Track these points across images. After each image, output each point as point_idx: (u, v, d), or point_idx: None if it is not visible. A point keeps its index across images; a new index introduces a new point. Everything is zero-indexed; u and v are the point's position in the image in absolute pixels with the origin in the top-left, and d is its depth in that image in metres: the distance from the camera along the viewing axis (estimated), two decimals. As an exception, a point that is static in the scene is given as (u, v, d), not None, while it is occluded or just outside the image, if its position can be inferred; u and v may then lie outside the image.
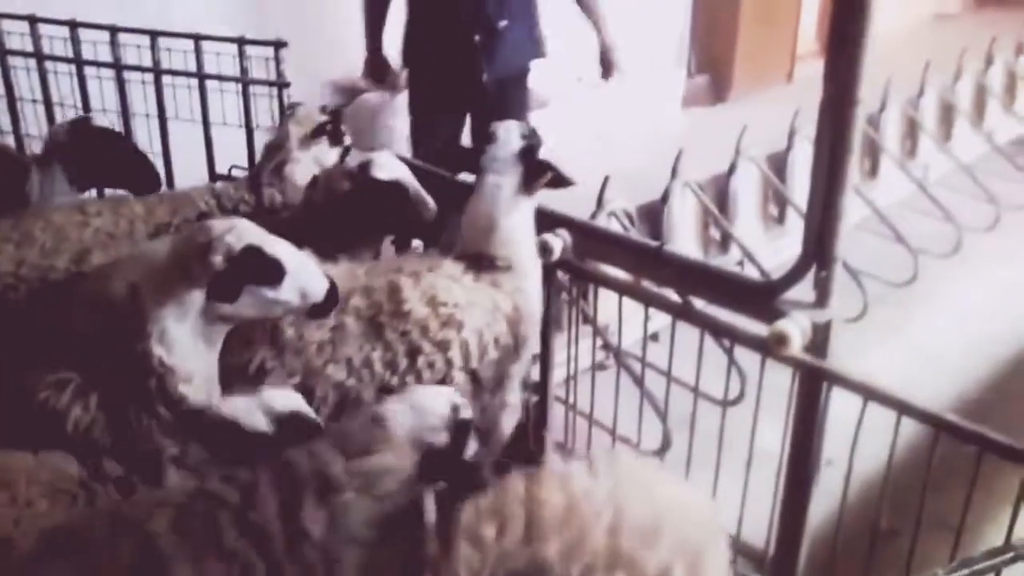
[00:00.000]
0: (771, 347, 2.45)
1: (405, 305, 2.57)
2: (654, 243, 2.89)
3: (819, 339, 2.52)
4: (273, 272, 2.20)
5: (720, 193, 4.30)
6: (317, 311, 2.31)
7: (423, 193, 2.94)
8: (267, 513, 1.78)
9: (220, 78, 3.96)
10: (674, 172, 3.95)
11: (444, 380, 2.63)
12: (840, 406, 2.55)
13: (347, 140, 3.53)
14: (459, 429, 1.97)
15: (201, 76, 3.97)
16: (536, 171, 2.75)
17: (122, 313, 2.23)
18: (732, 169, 4.29)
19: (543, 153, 2.78)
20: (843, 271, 4.11)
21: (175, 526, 1.75)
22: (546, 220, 2.95)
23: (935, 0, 11.12)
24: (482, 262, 2.72)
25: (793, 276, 2.51)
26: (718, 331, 2.73)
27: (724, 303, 2.71)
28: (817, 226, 2.45)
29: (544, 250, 2.85)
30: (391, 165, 2.94)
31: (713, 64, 8.10)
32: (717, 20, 7.99)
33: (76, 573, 1.75)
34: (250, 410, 2.13)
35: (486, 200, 2.75)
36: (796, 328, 2.43)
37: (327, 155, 3.46)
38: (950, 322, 4.64)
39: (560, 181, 2.78)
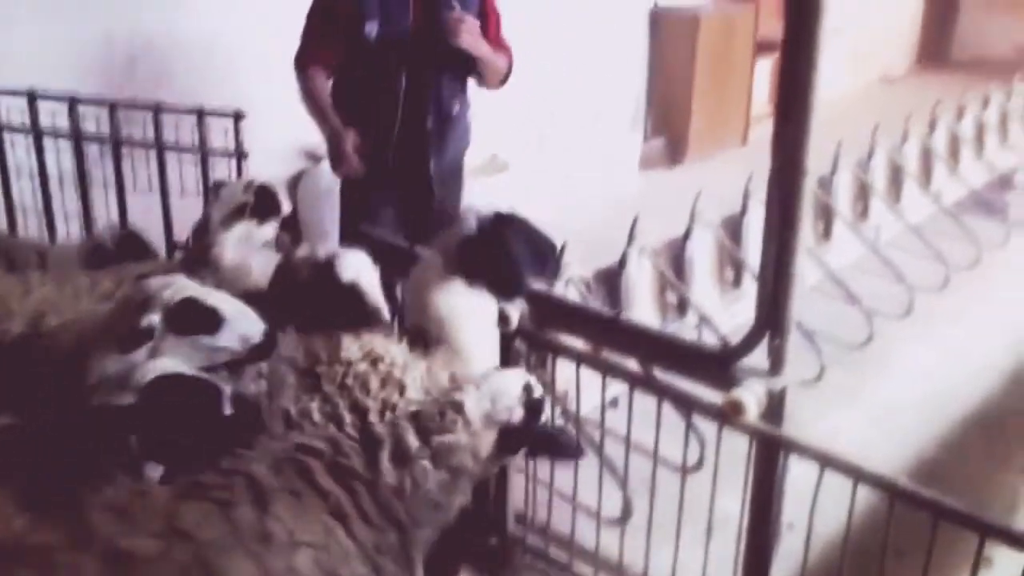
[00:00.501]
0: (727, 415, 2.49)
1: (343, 353, 2.54)
2: (611, 312, 2.93)
3: (775, 405, 2.56)
4: (211, 321, 2.28)
5: (676, 258, 4.36)
6: (256, 354, 2.37)
7: (380, 300, 2.87)
8: (354, 462, 2.11)
9: (179, 149, 3.98)
10: (631, 238, 4.00)
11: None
12: (799, 470, 2.58)
13: (285, 210, 3.30)
14: (533, 407, 2.28)
15: (160, 146, 3.99)
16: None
17: (68, 369, 2.27)
18: (688, 234, 4.35)
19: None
20: (798, 334, 4.22)
21: (275, 469, 2.05)
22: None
23: (881, 63, 11.40)
24: (418, 336, 2.68)
25: (747, 345, 2.54)
26: (676, 399, 2.76)
27: (681, 371, 2.74)
28: (770, 295, 2.49)
29: (501, 320, 2.87)
30: (356, 266, 2.85)
31: (669, 127, 8.24)
32: (672, 84, 8.15)
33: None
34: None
35: (420, 274, 2.76)
36: (751, 396, 2.47)
37: (258, 232, 3.21)
38: (905, 382, 4.70)
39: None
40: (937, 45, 12.27)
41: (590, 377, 3.00)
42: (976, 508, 2.24)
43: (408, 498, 2.14)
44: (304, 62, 3.68)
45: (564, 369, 3.03)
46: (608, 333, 2.84)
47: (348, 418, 2.37)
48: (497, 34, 3.84)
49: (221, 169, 3.95)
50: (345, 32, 3.58)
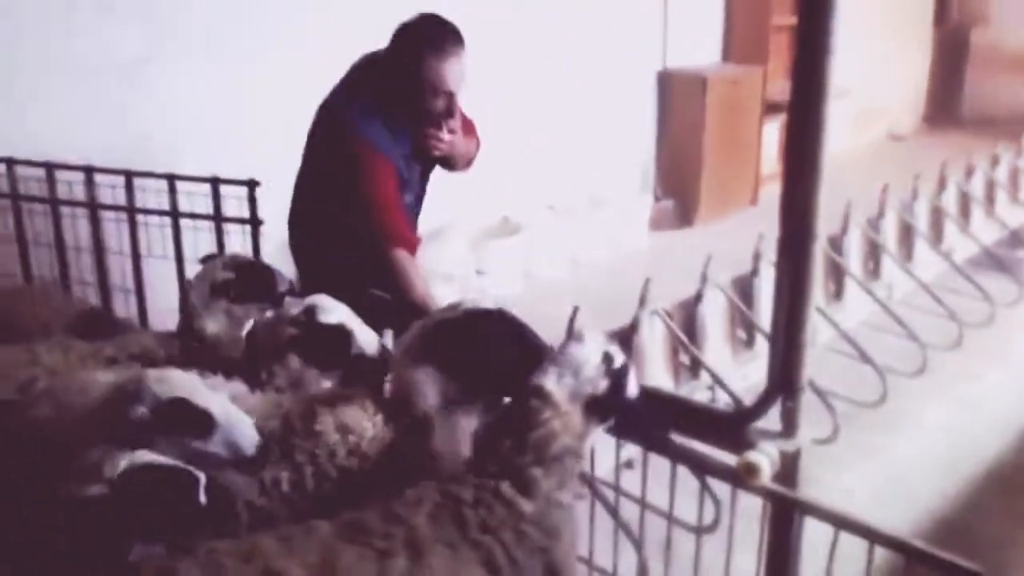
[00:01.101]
0: (741, 478, 2.48)
1: (317, 425, 2.53)
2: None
3: (788, 467, 2.55)
4: (202, 424, 2.20)
5: (688, 319, 4.37)
6: (246, 467, 2.30)
7: (367, 335, 2.88)
8: (496, 512, 2.07)
9: (193, 216, 4.04)
10: (642, 301, 4.02)
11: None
12: (814, 531, 2.56)
13: (280, 287, 3.20)
14: (616, 374, 2.24)
15: (175, 215, 4.05)
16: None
17: (51, 451, 2.23)
18: (699, 296, 4.37)
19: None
20: (812, 394, 4.21)
21: (432, 517, 2.06)
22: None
23: (888, 121, 11.50)
24: (399, 408, 2.56)
25: (760, 408, 2.55)
26: (690, 461, 2.75)
27: (694, 434, 2.74)
28: (782, 358, 2.50)
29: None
30: (334, 308, 2.87)
31: (679, 188, 8.31)
32: (681, 145, 8.24)
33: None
34: None
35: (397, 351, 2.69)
36: (765, 458, 2.47)
37: (241, 312, 3.12)
38: (920, 440, 4.69)
39: None
40: (945, 104, 12.38)
41: (604, 439, 3.00)
42: (995, 569, 2.22)
43: (541, 519, 2.11)
44: (401, 246, 3.65)
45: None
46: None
47: (311, 484, 2.40)
48: (465, 120, 3.92)
49: (236, 236, 4.00)
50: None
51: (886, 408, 4.67)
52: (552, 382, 2.21)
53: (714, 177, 8.28)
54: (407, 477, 2.33)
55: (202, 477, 2.07)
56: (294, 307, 2.88)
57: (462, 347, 2.50)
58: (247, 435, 2.25)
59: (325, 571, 1.93)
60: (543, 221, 7.27)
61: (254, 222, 3.93)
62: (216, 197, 3.98)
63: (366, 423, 2.56)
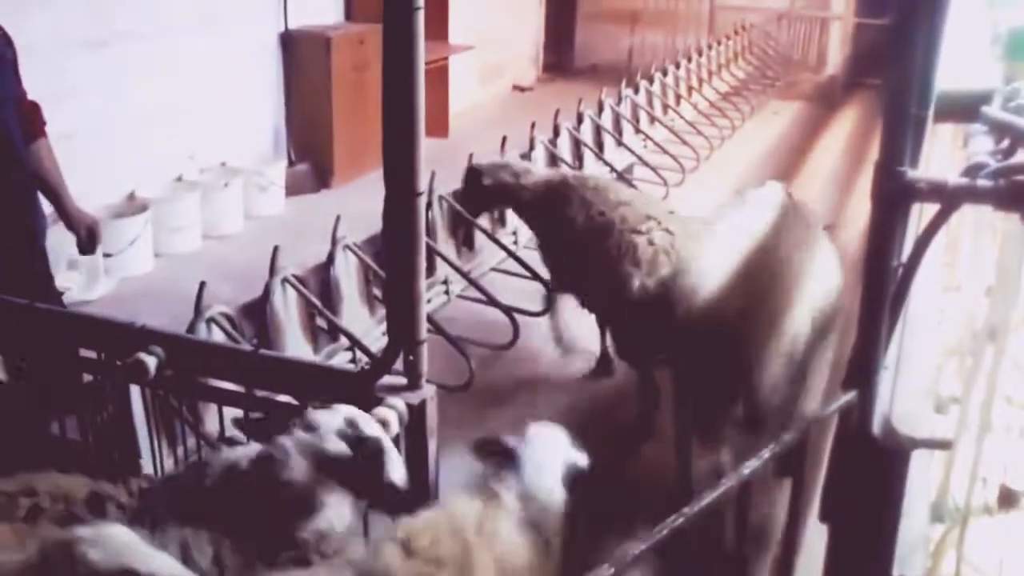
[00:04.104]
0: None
1: None
2: (249, 347, 2.90)
3: (417, 417, 2.65)
4: None
5: (324, 283, 4.37)
6: None
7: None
8: None
9: None
10: (272, 269, 3.97)
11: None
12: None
13: None
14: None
15: None
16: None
17: None
18: (331, 259, 4.37)
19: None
20: (446, 343, 4.37)
21: None
22: (137, 337, 2.87)
23: (512, 74, 12.08)
24: None
25: (383, 364, 2.62)
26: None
27: (324, 396, 2.76)
28: (398, 313, 2.59)
29: (139, 370, 2.76)
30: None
31: (313, 151, 8.24)
32: (310, 108, 8.15)
33: None
34: None
35: None
36: (392, 413, 2.55)
37: None
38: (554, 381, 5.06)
39: None
40: (560, 55, 13.19)
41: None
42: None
43: None
44: None
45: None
46: (248, 369, 2.81)
47: None
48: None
49: None
50: None
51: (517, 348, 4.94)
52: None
53: (346, 137, 8.28)
54: None
55: None
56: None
57: None
58: None
59: None
60: (173, 195, 6.98)
61: None
62: None
63: None
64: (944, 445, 2.36)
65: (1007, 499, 2.76)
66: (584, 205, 4.37)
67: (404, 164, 2.49)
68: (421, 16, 2.37)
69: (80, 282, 5.88)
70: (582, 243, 4.34)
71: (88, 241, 4.03)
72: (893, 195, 1.99)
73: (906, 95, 1.96)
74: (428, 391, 2.66)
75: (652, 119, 8.08)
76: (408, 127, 2.46)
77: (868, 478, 2.18)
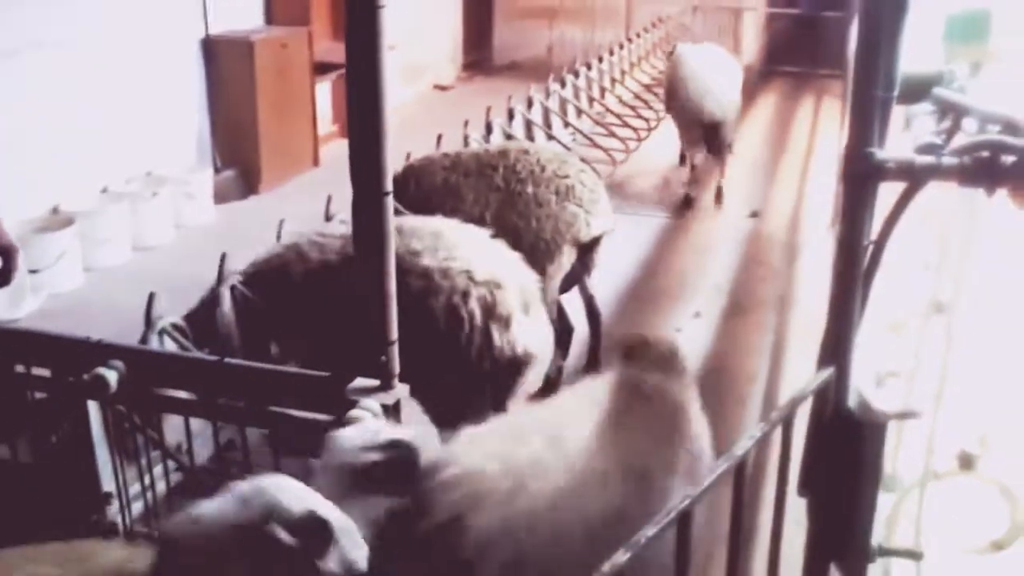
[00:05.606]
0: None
1: None
2: (213, 358, 2.85)
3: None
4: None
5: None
6: None
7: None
8: None
9: None
10: (220, 277, 3.90)
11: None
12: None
13: None
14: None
15: None
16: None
17: None
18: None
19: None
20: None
21: None
22: (96, 352, 2.81)
23: (432, 73, 12.04)
24: None
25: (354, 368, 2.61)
26: (286, 428, 2.76)
27: (296, 403, 2.74)
28: (372, 314, 2.57)
29: (99, 385, 2.70)
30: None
31: (239, 158, 8.12)
32: (235, 113, 8.03)
33: None
34: None
35: None
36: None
37: None
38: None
39: None
40: (479, 53, 13.19)
41: (203, 425, 2.92)
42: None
43: None
44: None
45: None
46: (215, 378, 2.77)
47: None
48: None
49: None
50: None
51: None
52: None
53: (272, 142, 8.19)
54: None
55: None
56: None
57: None
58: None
59: None
60: (98, 207, 6.81)
61: None
62: None
63: None
64: (914, 416, 2.43)
65: (966, 463, 2.87)
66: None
67: (371, 164, 2.47)
68: (384, 15, 2.36)
69: (2, 300, 5.69)
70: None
71: (3, 271, 3.24)
72: (863, 175, 2.05)
73: (873, 78, 2.01)
74: (402, 391, 2.65)
75: (579, 112, 8.16)
76: (374, 126, 2.44)
77: (845, 451, 2.24)
